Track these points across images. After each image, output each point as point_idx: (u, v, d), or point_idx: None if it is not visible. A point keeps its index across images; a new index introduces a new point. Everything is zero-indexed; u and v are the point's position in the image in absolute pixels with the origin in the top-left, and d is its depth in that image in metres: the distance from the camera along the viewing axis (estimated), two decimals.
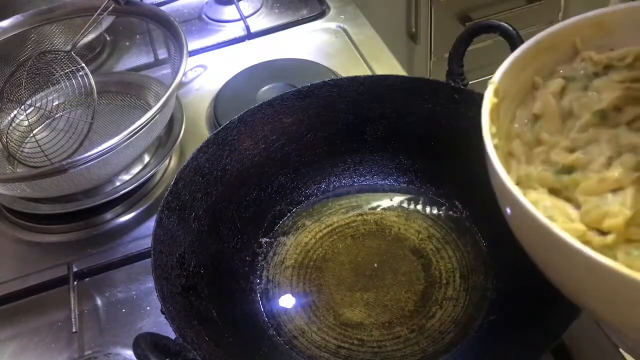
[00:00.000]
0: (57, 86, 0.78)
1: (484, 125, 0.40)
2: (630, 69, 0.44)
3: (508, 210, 0.39)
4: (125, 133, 0.63)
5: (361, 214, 0.64)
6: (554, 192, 0.40)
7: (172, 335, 0.45)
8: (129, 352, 0.57)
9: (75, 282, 0.64)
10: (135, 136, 0.64)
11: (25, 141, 0.78)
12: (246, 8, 1.02)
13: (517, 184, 0.40)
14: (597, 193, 0.38)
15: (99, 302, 0.63)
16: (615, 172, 0.38)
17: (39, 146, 0.72)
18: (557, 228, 0.33)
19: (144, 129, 0.64)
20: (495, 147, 0.39)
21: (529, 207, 0.34)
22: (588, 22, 0.45)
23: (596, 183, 0.38)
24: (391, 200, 0.65)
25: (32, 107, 0.79)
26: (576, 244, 0.32)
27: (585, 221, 0.37)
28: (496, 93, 0.43)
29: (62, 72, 0.75)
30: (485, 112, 0.41)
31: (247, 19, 0.98)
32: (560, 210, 0.38)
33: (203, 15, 1.03)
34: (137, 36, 0.99)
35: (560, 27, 0.45)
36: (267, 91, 0.82)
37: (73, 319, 0.60)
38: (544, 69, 0.46)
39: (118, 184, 0.73)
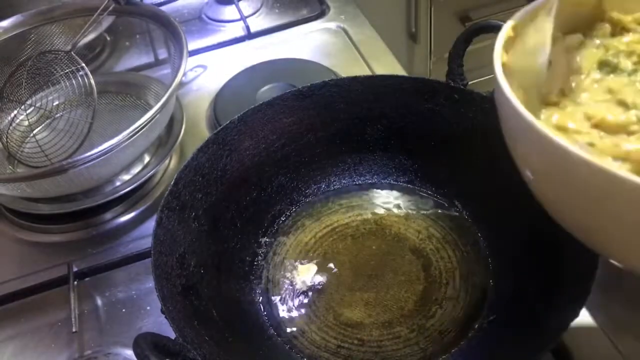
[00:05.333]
0: (57, 86, 0.78)
1: (496, 50, 0.42)
2: None
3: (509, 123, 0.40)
4: (125, 133, 0.63)
5: (361, 214, 0.64)
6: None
7: (172, 335, 0.45)
8: (129, 352, 0.57)
9: (75, 282, 0.64)
10: (136, 136, 0.64)
11: (26, 141, 0.78)
12: (246, 8, 1.02)
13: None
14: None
15: (99, 302, 0.63)
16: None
17: (39, 146, 0.72)
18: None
19: (144, 129, 0.64)
20: (504, 64, 0.41)
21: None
22: None
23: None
24: (391, 200, 0.65)
25: (32, 107, 0.79)
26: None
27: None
28: (514, 28, 0.44)
29: (62, 72, 0.75)
30: (499, 40, 0.43)
31: (247, 19, 0.98)
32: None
33: (203, 15, 1.03)
34: (137, 36, 0.99)
35: None
36: (267, 91, 0.82)
37: (73, 319, 0.60)
38: (566, 23, 0.46)
39: (118, 184, 0.73)
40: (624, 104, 0.40)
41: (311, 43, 0.93)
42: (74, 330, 0.59)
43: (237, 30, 0.99)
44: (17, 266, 0.68)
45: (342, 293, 0.57)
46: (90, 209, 0.71)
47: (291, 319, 0.56)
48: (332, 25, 0.96)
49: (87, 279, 0.65)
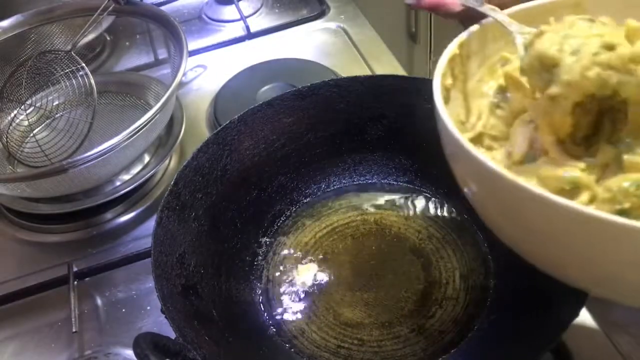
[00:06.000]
0: (57, 86, 0.78)
1: (438, 67, 0.43)
2: None
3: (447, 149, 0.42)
4: (125, 133, 0.63)
5: (361, 214, 0.64)
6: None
7: (172, 335, 0.45)
8: (129, 352, 0.57)
9: (76, 282, 0.64)
10: (136, 136, 0.64)
11: (26, 141, 0.78)
12: (246, 8, 1.02)
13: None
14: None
15: (99, 301, 0.63)
16: None
17: (39, 146, 0.72)
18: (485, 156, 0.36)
19: (144, 129, 0.64)
20: (447, 88, 0.43)
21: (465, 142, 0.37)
22: (566, 2, 0.46)
23: None
24: (391, 200, 0.65)
25: (32, 107, 0.79)
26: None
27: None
28: (461, 47, 0.45)
29: (62, 72, 0.75)
30: (444, 57, 0.44)
31: (247, 19, 0.98)
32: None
33: (203, 15, 1.03)
34: (137, 36, 0.99)
35: (538, 4, 0.46)
36: (267, 91, 0.82)
37: (73, 319, 0.60)
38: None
39: (118, 183, 0.73)
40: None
41: (311, 43, 0.93)
42: (74, 330, 0.59)
43: (237, 30, 0.99)
44: (17, 266, 0.68)
45: (342, 293, 0.57)
46: (90, 209, 0.71)
47: (291, 318, 0.56)
48: (332, 25, 0.96)
49: (87, 278, 0.65)
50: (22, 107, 0.78)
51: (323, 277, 0.59)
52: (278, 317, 0.57)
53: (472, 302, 0.55)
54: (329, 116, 0.64)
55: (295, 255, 0.61)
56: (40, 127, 0.80)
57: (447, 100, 0.44)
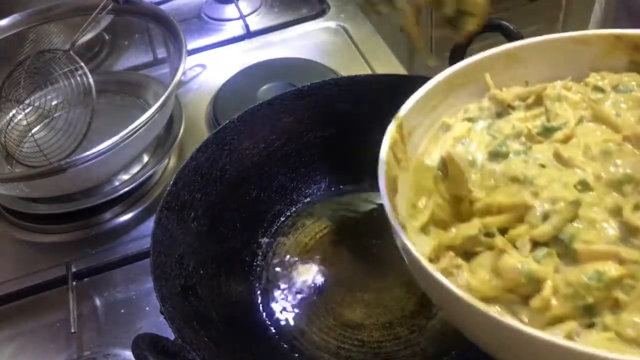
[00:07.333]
0: (56, 85, 0.78)
1: (380, 161, 0.41)
2: (528, 109, 0.44)
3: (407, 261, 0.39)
4: (124, 132, 0.63)
5: (361, 214, 0.63)
6: None
7: (172, 335, 0.45)
8: (128, 353, 0.57)
9: (74, 283, 0.64)
10: (134, 136, 0.64)
11: (24, 141, 0.78)
12: (246, 7, 1.01)
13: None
14: None
15: (97, 302, 0.63)
16: None
17: (38, 146, 0.71)
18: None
19: (143, 129, 0.64)
20: (394, 179, 0.41)
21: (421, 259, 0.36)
22: (500, 55, 0.46)
23: None
24: None
25: (31, 107, 0.78)
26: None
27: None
28: (399, 129, 0.43)
29: (60, 72, 0.74)
30: (384, 146, 0.42)
31: (247, 18, 0.98)
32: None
33: (202, 14, 1.03)
34: (136, 35, 0.99)
35: (471, 62, 0.46)
36: (266, 90, 0.82)
37: (72, 320, 0.60)
38: (456, 105, 0.46)
39: (117, 183, 0.72)
40: (516, 180, 0.39)
41: (311, 42, 0.93)
42: (72, 330, 0.59)
43: (237, 29, 0.98)
44: (16, 267, 0.68)
45: (342, 294, 0.57)
46: (89, 209, 0.70)
47: (291, 319, 0.56)
48: (332, 24, 0.96)
49: (86, 279, 0.65)
50: (21, 106, 0.78)
51: (323, 278, 0.59)
52: (278, 318, 0.56)
53: None
54: (329, 116, 0.64)
55: (295, 255, 0.61)
56: (39, 126, 0.80)
57: (395, 190, 0.42)
